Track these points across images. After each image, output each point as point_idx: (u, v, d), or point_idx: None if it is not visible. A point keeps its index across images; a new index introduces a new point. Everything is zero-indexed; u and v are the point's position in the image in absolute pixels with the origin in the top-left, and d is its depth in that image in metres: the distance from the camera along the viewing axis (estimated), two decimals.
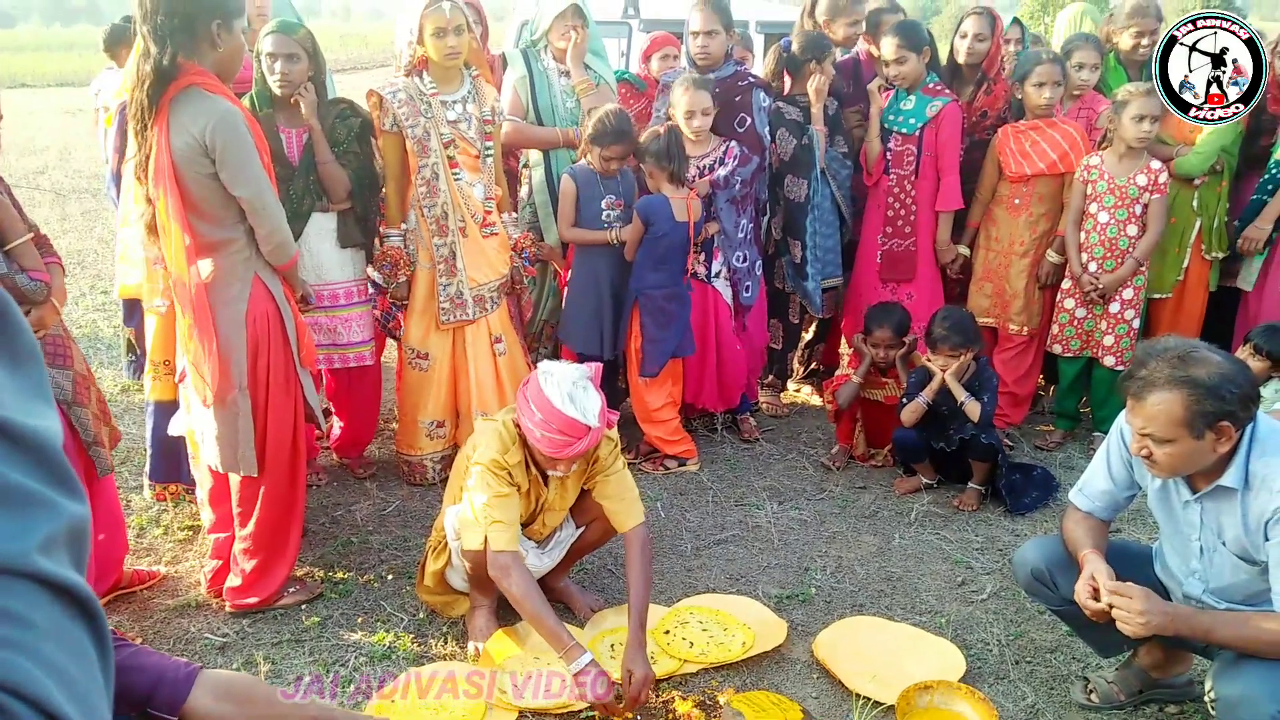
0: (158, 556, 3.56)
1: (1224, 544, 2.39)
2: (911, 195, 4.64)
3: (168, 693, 1.80)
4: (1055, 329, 4.48)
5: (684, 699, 2.78)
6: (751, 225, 4.55)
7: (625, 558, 2.96)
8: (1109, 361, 4.33)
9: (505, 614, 3.07)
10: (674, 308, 4.25)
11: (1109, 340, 4.34)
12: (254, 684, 1.97)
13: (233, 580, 3.17)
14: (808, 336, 5.31)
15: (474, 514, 2.81)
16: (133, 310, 3.82)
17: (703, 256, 4.40)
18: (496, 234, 4.02)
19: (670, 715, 2.73)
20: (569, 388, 2.71)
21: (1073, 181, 4.39)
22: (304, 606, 3.25)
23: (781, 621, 3.15)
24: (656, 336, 4.22)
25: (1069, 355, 4.47)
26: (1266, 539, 2.27)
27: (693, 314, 4.38)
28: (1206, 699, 2.40)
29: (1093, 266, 4.31)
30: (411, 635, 3.11)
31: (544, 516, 3.05)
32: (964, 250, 4.70)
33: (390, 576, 3.45)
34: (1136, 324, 4.32)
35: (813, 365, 5.40)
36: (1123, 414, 2.46)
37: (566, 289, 4.45)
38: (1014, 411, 4.73)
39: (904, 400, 4.09)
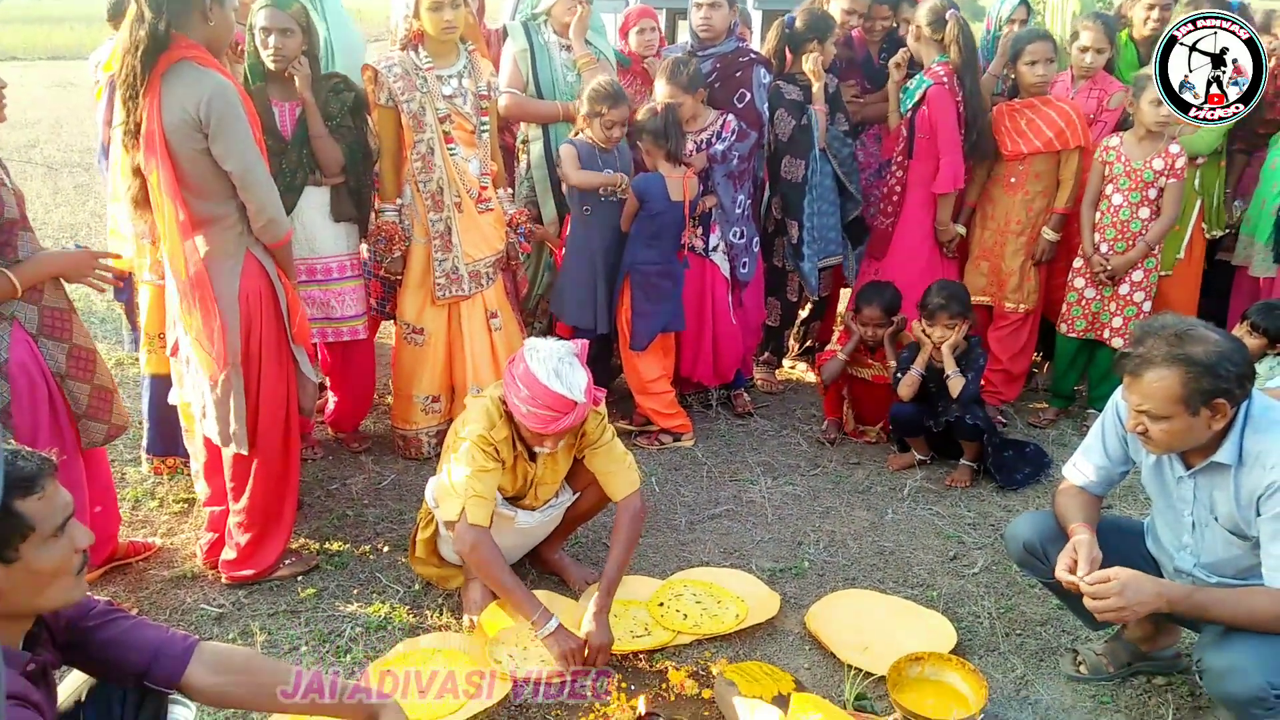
0: (153, 529, 3.57)
1: (1216, 519, 2.41)
2: (898, 176, 4.65)
3: (165, 666, 1.81)
4: (1064, 308, 4.48)
5: (677, 669, 2.80)
6: (749, 201, 4.54)
7: (613, 525, 2.99)
8: (1116, 343, 4.32)
9: None
10: (666, 284, 4.25)
11: (1117, 322, 4.33)
12: (250, 656, 1.99)
13: (228, 553, 3.18)
14: (804, 314, 5.32)
15: (453, 485, 2.83)
16: (127, 283, 3.80)
17: (700, 230, 4.39)
18: (492, 209, 4.01)
19: (664, 685, 2.75)
20: (555, 364, 2.72)
21: (1069, 159, 4.39)
22: (300, 578, 3.26)
23: (774, 594, 3.17)
24: (645, 310, 4.22)
25: (1073, 335, 4.47)
26: (1259, 514, 2.29)
27: (689, 287, 4.38)
28: (1195, 670, 2.43)
29: (1104, 248, 4.30)
30: (407, 607, 3.13)
31: (535, 489, 3.07)
32: (960, 230, 4.69)
33: (386, 549, 3.47)
34: (1147, 306, 4.31)
35: (808, 342, 5.40)
36: (1119, 390, 2.47)
37: (561, 262, 4.44)
38: (1008, 388, 4.74)
39: (897, 376, 4.09)
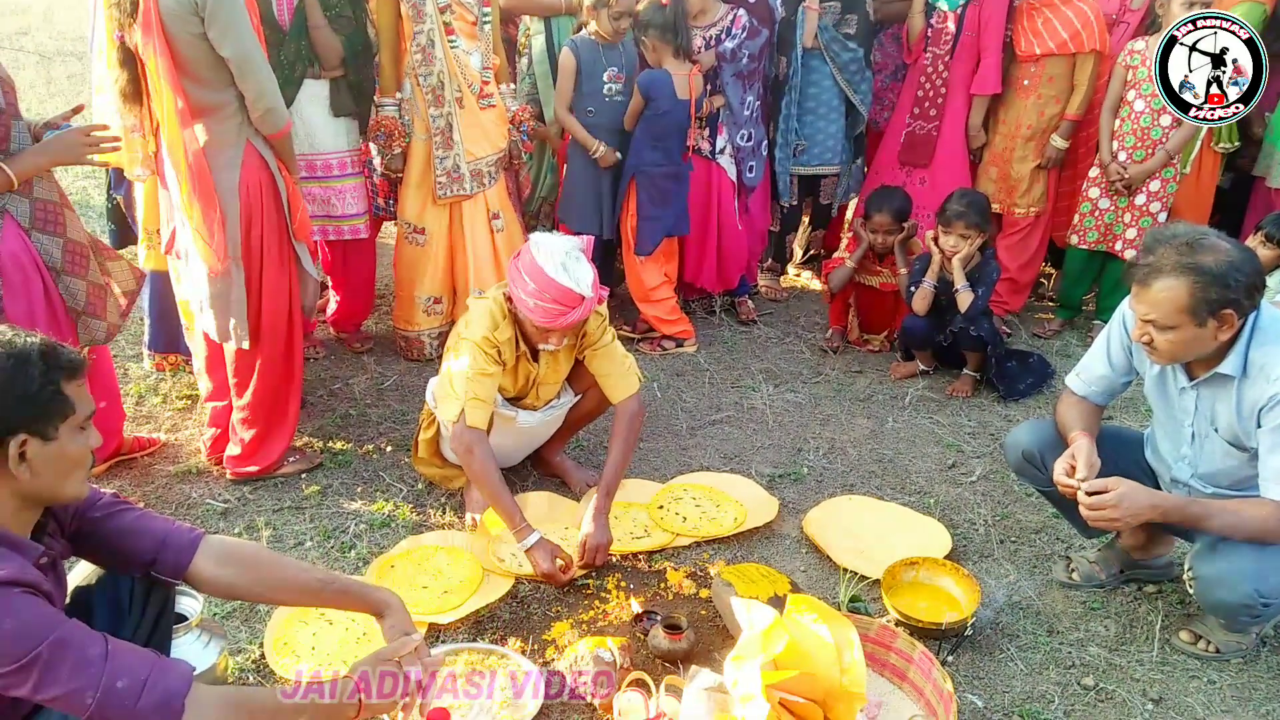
0: (157, 424, 3.59)
1: (1216, 430, 2.41)
2: (943, 76, 4.49)
3: (172, 557, 1.83)
4: (1076, 218, 4.40)
5: (676, 570, 2.85)
6: (758, 103, 4.42)
7: (612, 428, 3.00)
8: (1130, 255, 4.26)
9: None
10: (672, 186, 4.17)
11: (1131, 233, 4.26)
12: (257, 550, 2.02)
13: (232, 449, 3.21)
14: (806, 219, 5.24)
15: (453, 387, 2.83)
16: (121, 177, 3.73)
17: (707, 132, 4.29)
18: (494, 106, 3.91)
19: (662, 585, 2.80)
20: (562, 257, 2.69)
21: (1084, 64, 4.26)
22: (304, 475, 3.29)
23: (773, 499, 3.21)
24: (652, 214, 4.16)
25: (1084, 247, 4.41)
26: (1259, 426, 2.29)
27: (695, 191, 4.30)
28: (1185, 579, 2.47)
29: (1122, 156, 4.20)
30: (410, 505, 3.17)
31: (537, 389, 3.07)
32: (982, 136, 4.59)
33: (389, 448, 3.49)
34: (1162, 218, 4.23)
35: (812, 250, 5.35)
36: (1126, 300, 2.45)
37: (565, 167, 4.36)
38: (1014, 299, 4.71)
39: (910, 290, 4.05)
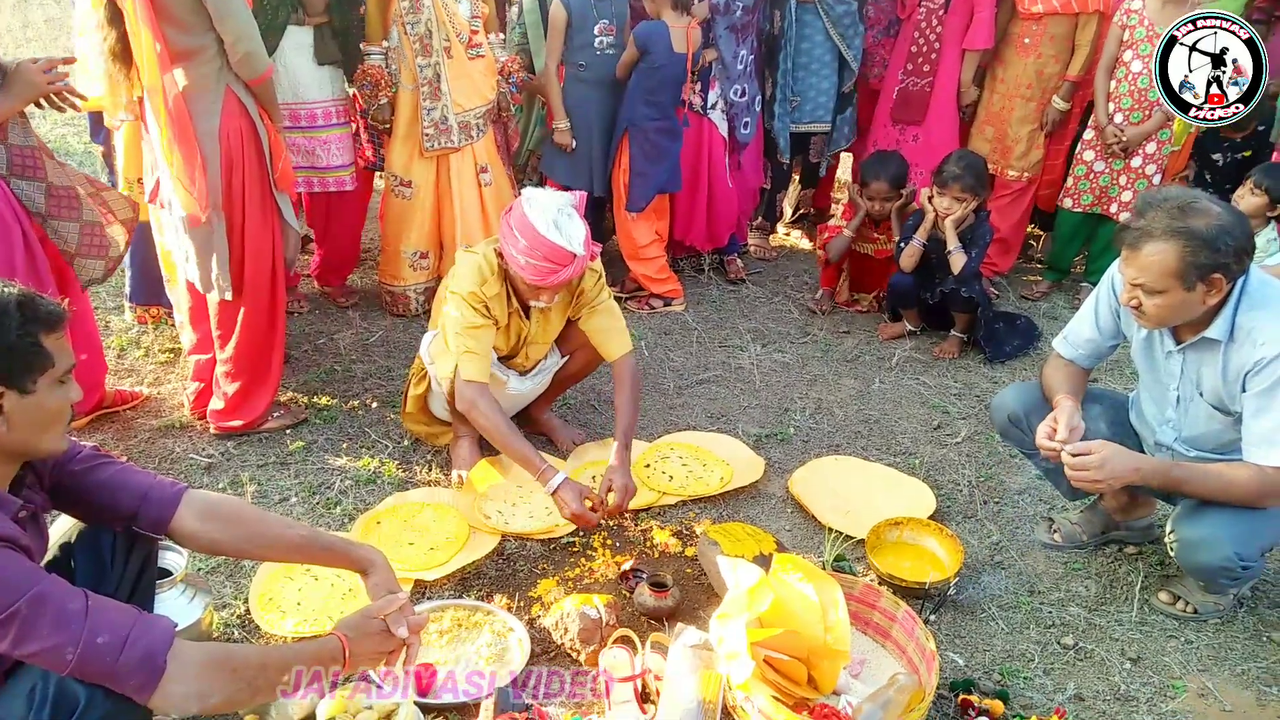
0: (139, 378, 3.55)
1: (1201, 394, 2.42)
2: (937, 31, 4.43)
3: (153, 511, 1.81)
4: (1070, 181, 4.37)
5: (662, 529, 2.86)
6: (753, 57, 4.35)
7: (614, 385, 2.98)
8: (1124, 217, 4.23)
9: (488, 444, 3.10)
10: (665, 142, 4.12)
11: (1126, 195, 4.23)
12: (240, 505, 1.99)
13: (216, 403, 3.18)
14: (796, 178, 5.19)
15: (447, 343, 2.80)
16: (99, 124, 3.65)
17: (699, 86, 4.22)
18: (483, 56, 3.83)
19: (648, 544, 2.81)
20: (554, 214, 2.65)
21: (1087, 24, 4.22)
22: (288, 431, 3.27)
23: (759, 459, 3.21)
24: (644, 170, 4.11)
25: (1078, 210, 4.39)
26: (1244, 390, 2.30)
27: (686, 147, 4.25)
28: (1167, 541, 2.49)
29: (1119, 118, 4.17)
30: (396, 462, 3.15)
31: (527, 349, 3.05)
32: (973, 92, 4.54)
33: (375, 405, 3.47)
34: (1158, 180, 4.21)
35: (801, 210, 5.31)
36: (1115, 264, 2.44)
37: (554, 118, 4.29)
38: (1002, 260, 4.70)
39: (900, 245, 4.02)
